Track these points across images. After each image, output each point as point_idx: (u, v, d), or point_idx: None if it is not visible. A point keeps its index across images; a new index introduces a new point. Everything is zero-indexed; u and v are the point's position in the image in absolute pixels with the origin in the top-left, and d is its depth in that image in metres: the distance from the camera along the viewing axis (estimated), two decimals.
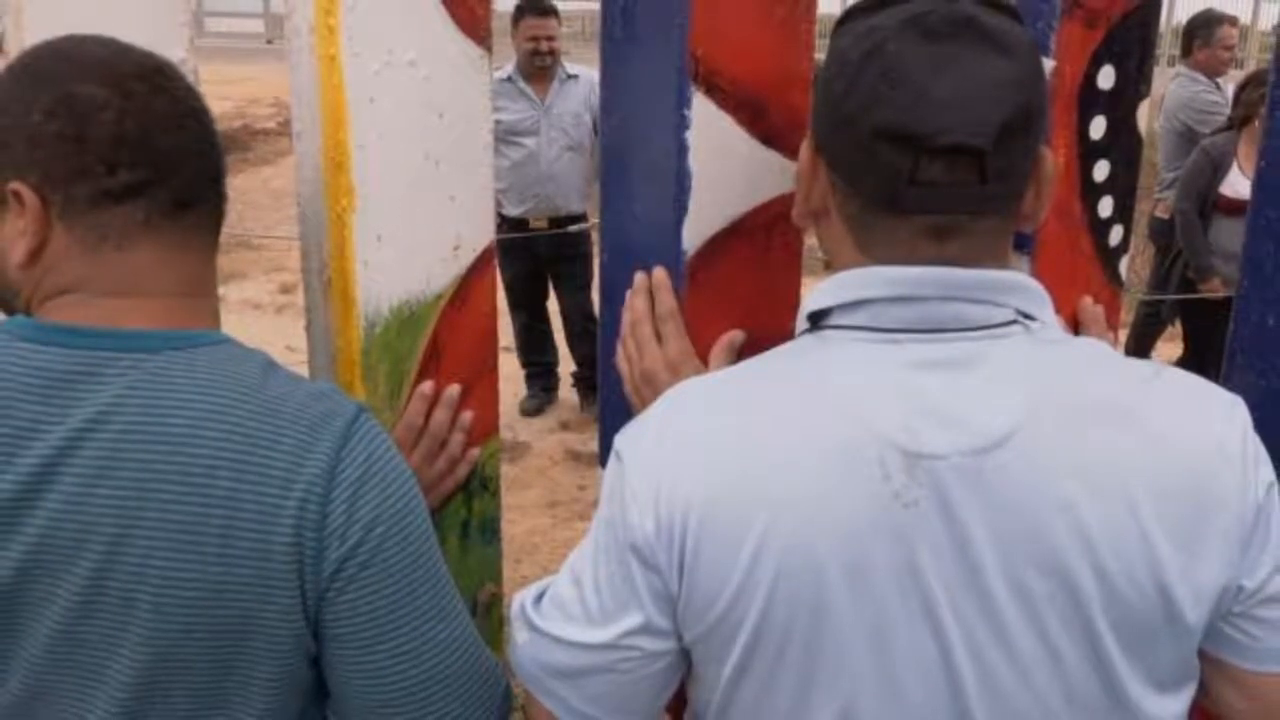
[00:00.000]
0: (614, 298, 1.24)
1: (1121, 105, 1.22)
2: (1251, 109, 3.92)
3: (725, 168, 1.16)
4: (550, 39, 4.51)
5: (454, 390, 1.27)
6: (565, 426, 4.89)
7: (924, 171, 0.80)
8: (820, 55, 0.98)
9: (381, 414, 1.21)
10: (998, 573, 0.80)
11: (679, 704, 0.98)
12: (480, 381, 1.31)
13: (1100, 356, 0.89)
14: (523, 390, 5.02)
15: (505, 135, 4.38)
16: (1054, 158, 0.92)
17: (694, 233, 1.16)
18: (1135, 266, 5.63)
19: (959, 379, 0.82)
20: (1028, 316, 0.85)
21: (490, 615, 1.39)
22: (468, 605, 1.00)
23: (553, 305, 4.96)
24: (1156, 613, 0.81)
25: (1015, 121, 0.80)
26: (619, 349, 1.21)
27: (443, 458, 1.27)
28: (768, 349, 0.92)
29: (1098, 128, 1.21)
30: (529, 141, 4.52)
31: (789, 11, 1.15)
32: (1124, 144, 1.24)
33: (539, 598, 0.94)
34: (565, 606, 0.90)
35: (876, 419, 0.81)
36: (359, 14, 1.12)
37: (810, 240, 1.03)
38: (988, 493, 0.80)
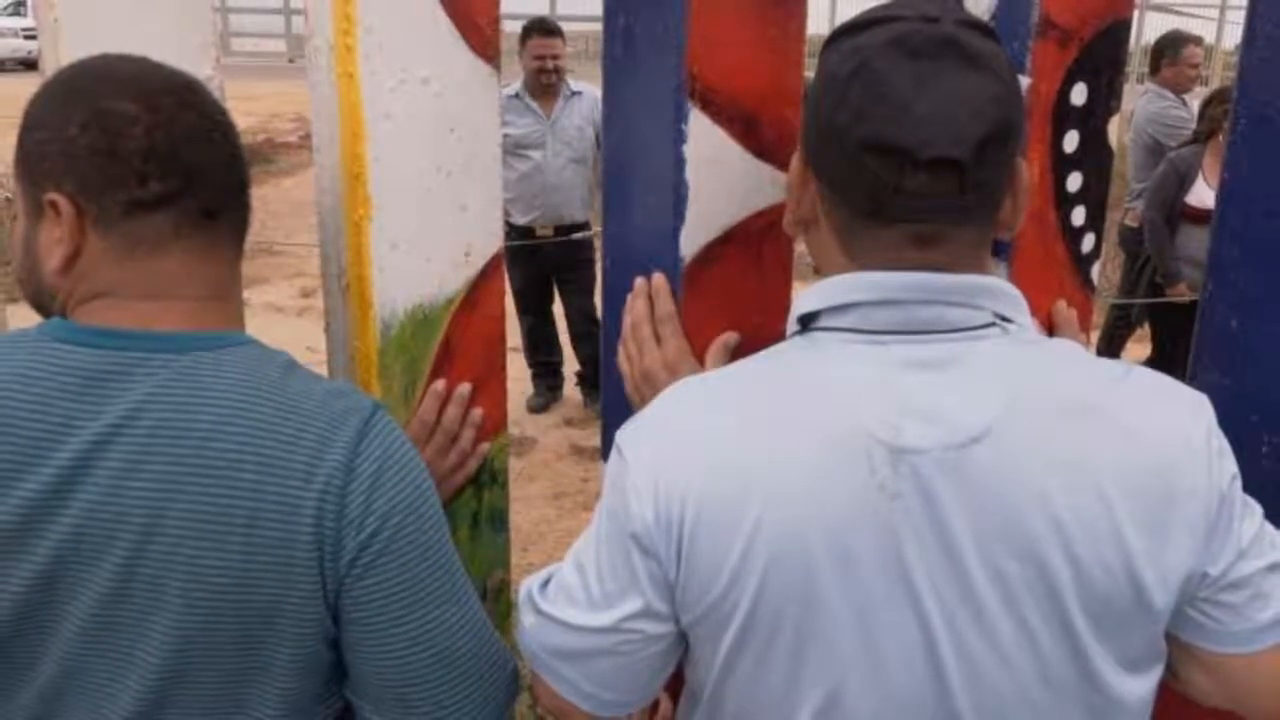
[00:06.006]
0: (615, 301, 1.24)
1: (1093, 120, 1.22)
2: (1215, 123, 3.92)
3: (720, 179, 1.16)
4: (555, 57, 4.50)
5: (465, 388, 1.27)
6: (569, 423, 4.88)
7: (908, 182, 0.80)
8: (809, 73, 0.98)
9: (396, 411, 1.21)
10: (976, 560, 0.80)
11: (677, 685, 0.98)
12: (489, 380, 1.31)
13: (1073, 357, 0.88)
14: (529, 389, 5.02)
15: (513, 148, 4.38)
16: (1030, 169, 0.92)
17: (691, 240, 1.16)
18: (1106, 272, 5.62)
19: (940, 378, 0.82)
20: (1005, 319, 0.85)
21: (499, 600, 1.39)
22: (478, 591, 0.99)
23: (558, 309, 4.95)
24: (1126, 597, 0.81)
25: (993, 135, 0.80)
26: (620, 350, 1.21)
27: (454, 452, 1.27)
28: (761, 349, 0.92)
29: (1071, 141, 1.21)
30: (535, 154, 4.52)
31: (780, 32, 1.15)
32: (1095, 156, 1.24)
33: (545, 583, 0.94)
34: (569, 592, 0.90)
35: (863, 415, 0.81)
36: (376, 35, 1.12)
37: (800, 247, 1.03)
38: (967, 485, 0.80)
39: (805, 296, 0.89)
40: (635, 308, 1.19)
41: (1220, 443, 0.85)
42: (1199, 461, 0.83)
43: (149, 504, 0.84)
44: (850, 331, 0.85)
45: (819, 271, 0.91)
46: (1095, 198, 1.25)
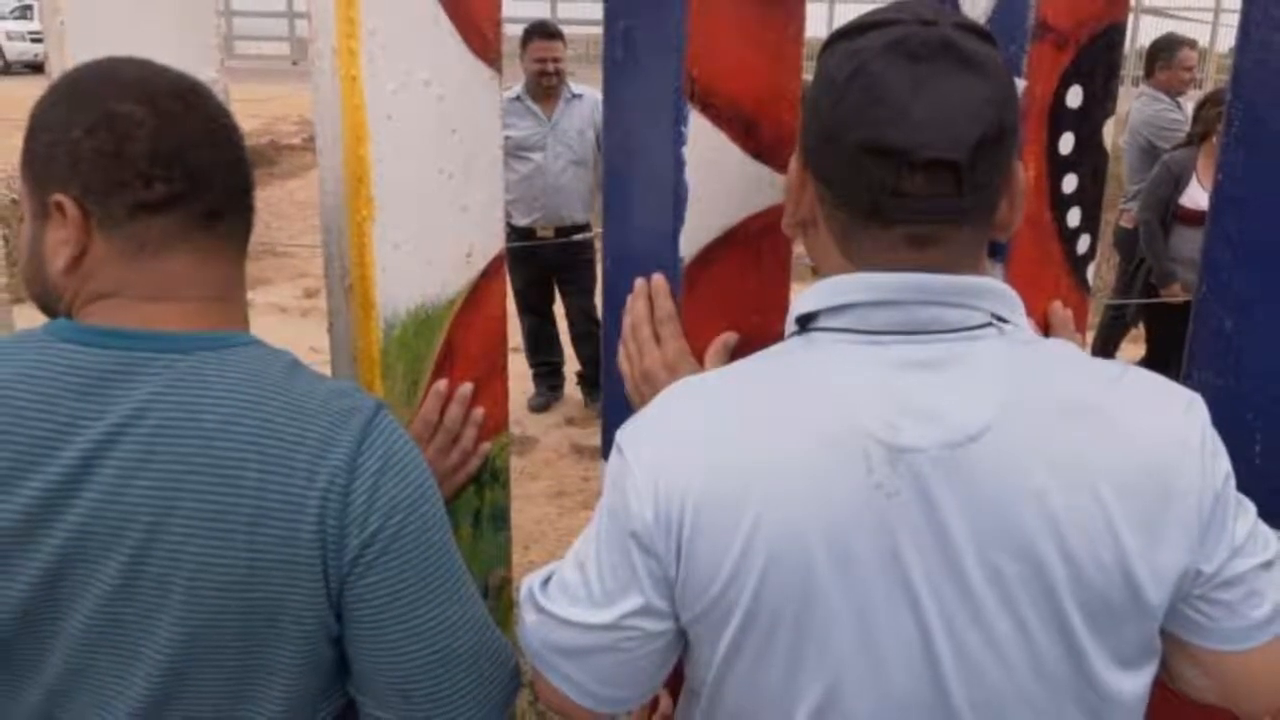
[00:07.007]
0: (616, 302, 1.24)
1: (1089, 122, 1.22)
2: (1210, 126, 3.92)
3: (719, 180, 1.16)
4: (556, 60, 4.50)
5: (467, 388, 1.27)
6: (570, 422, 4.88)
7: (905, 184, 0.80)
8: (808, 76, 0.98)
9: (399, 410, 1.21)
10: (973, 558, 0.80)
11: (677, 682, 0.98)
12: (491, 380, 1.31)
13: (1069, 357, 0.88)
14: (530, 388, 5.02)
15: (514, 150, 4.38)
16: (1026, 171, 0.92)
17: (690, 241, 1.16)
18: (1101, 273, 5.62)
19: (937, 377, 0.82)
20: (1001, 319, 0.85)
21: (500, 597, 1.39)
22: (479, 588, 0.99)
23: (558, 309, 4.95)
24: (1120, 595, 0.81)
25: (990, 137, 0.80)
26: (620, 350, 1.21)
27: (456, 451, 1.27)
28: (759, 349, 0.92)
29: (1066, 143, 1.21)
30: (536, 156, 4.52)
31: (779, 35, 1.15)
32: (1091, 158, 1.24)
33: (546, 581, 0.94)
34: (570, 589, 0.90)
35: (861, 415, 0.81)
36: (378, 38, 1.12)
37: (798, 248, 1.03)
38: (964, 484, 0.80)
39: (804, 297, 0.89)
40: (635, 308, 1.19)
41: (1214, 443, 0.85)
42: (1193, 461, 0.83)
43: (154, 502, 0.84)
44: (848, 332, 0.85)
45: (817, 272, 0.91)
46: (1090, 199, 1.26)
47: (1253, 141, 1.16)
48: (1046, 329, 1.24)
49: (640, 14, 1.17)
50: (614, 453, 0.89)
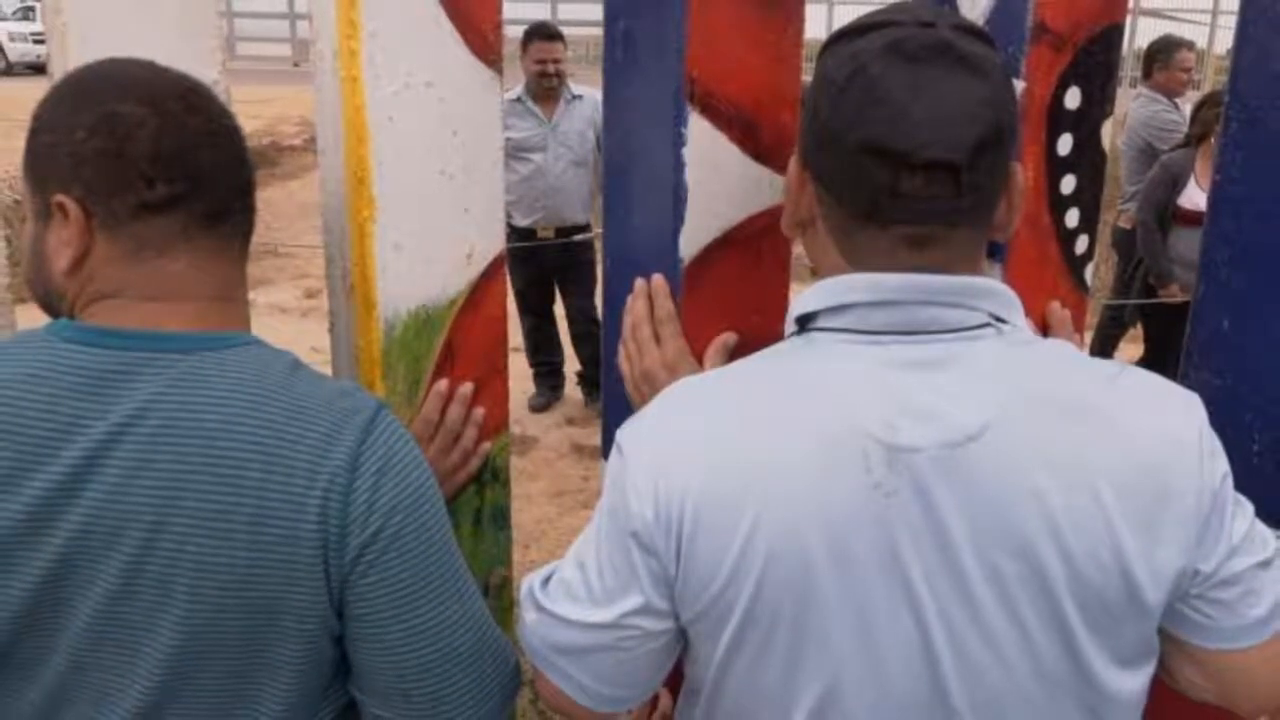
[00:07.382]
0: (616, 302, 1.24)
1: (1087, 124, 1.22)
2: (1207, 127, 3.92)
3: (719, 181, 1.16)
4: (556, 62, 4.51)
5: (467, 388, 1.27)
6: (570, 422, 4.88)
7: (904, 185, 0.80)
8: (807, 77, 0.98)
9: (400, 410, 1.21)
10: (972, 557, 0.80)
11: (676, 680, 0.98)
12: (491, 380, 1.31)
13: (1067, 357, 0.88)
14: (531, 388, 5.02)
15: (514, 151, 4.38)
16: (1024, 172, 0.92)
17: (690, 242, 1.16)
18: (1100, 273, 5.62)
19: (936, 377, 0.82)
20: (1000, 320, 0.85)
21: (501, 596, 1.39)
22: (480, 587, 0.99)
23: (559, 309, 4.95)
24: (1119, 594, 0.81)
25: (988, 139, 0.80)
26: (620, 350, 1.21)
27: (457, 450, 1.27)
28: (758, 350, 0.92)
29: (1065, 144, 1.21)
30: (536, 157, 4.52)
31: (778, 36, 1.15)
32: (1089, 159, 1.24)
33: (546, 580, 0.94)
34: (570, 588, 0.90)
35: (859, 414, 0.81)
36: (379, 40, 1.12)
37: (798, 249, 1.03)
38: (962, 483, 0.80)
39: (803, 297, 0.89)
40: (635, 308, 1.19)
41: (1212, 442, 0.85)
42: (1191, 461, 0.83)
43: (156, 502, 0.84)
44: (848, 332, 0.85)
45: (816, 272, 0.91)
46: (1089, 200, 1.26)
47: (1250, 142, 1.16)
48: (1045, 329, 1.24)
49: (640, 15, 1.17)
50: (614, 452, 0.89)
